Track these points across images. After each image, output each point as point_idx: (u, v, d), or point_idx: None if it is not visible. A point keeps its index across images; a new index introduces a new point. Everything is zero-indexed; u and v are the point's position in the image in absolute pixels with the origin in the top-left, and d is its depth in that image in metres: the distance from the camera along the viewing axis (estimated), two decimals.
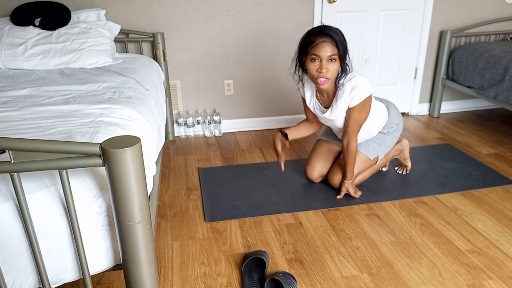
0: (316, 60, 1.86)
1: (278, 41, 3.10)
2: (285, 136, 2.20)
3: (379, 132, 2.27)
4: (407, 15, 3.21)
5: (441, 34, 3.30)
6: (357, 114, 2.01)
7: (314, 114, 2.23)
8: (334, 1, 3.03)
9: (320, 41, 1.83)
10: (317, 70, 1.87)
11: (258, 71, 3.17)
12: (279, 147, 2.18)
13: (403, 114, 3.57)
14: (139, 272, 1.22)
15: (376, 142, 2.26)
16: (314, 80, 1.92)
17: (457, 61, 3.23)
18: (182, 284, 1.65)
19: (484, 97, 3.00)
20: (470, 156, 2.71)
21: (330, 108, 2.07)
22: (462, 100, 3.62)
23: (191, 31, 2.97)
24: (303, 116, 3.31)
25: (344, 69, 1.93)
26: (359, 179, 2.26)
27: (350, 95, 1.96)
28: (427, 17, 3.23)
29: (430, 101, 3.56)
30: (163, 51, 2.87)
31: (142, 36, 2.87)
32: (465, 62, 3.14)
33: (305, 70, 1.98)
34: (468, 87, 3.13)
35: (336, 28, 1.88)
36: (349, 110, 2.01)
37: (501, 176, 2.44)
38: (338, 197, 2.22)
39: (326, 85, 1.92)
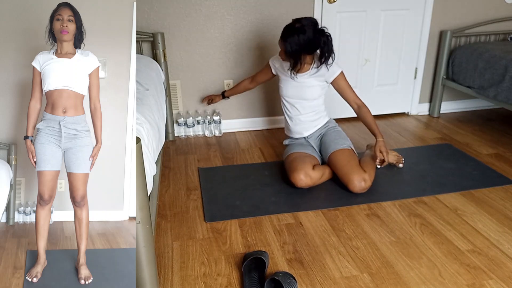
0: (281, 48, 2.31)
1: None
2: (224, 97, 2.78)
3: (333, 128, 2.48)
4: (407, 15, 3.21)
5: (441, 34, 3.30)
6: (344, 82, 2.36)
7: (264, 80, 2.71)
8: (334, 1, 3.03)
9: (281, 39, 2.26)
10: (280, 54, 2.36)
11: (258, 71, 3.17)
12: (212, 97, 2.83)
13: (403, 114, 3.57)
14: (139, 272, 1.22)
15: (342, 137, 2.42)
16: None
17: (457, 61, 3.23)
18: (182, 284, 1.65)
19: (484, 97, 3.00)
20: (470, 156, 2.71)
21: (308, 71, 2.34)
22: (462, 100, 3.62)
23: (191, 31, 2.97)
24: None
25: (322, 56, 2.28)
26: (372, 176, 2.30)
27: (327, 69, 2.31)
28: (427, 17, 3.23)
29: (430, 101, 3.56)
30: (163, 51, 2.87)
31: (142, 36, 2.87)
32: (465, 62, 3.14)
33: None
34: (468, 87, 3.13)
35: (302, 27, 2.19)
36: (336, 83, 2.35)
37: (501, 176, 2.44)
38: (378, 165, 2.40)
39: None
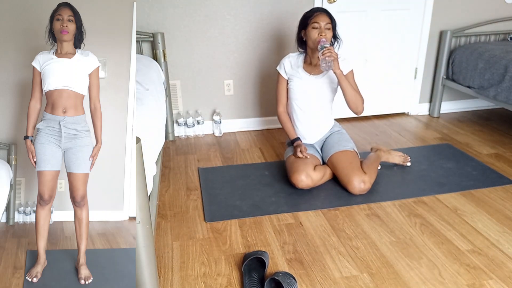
0: (317, 27, 2.24)
1: (278, 41, 3.10)
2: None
3: (337, 132, 2.48)
4: (407, 15, 3.21)
5: (441, 34, 3.30)
6: (353, 79, 2.38)
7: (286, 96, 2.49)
8: (334, 1, 3.03)
9: (317, 14, 2.26)
10: (318, 34, 2.24)
11: (258, 71, 3.17)
12: (303, 150, 2.34)
13: (403, 114, 3.57)
14: (139, 272, 1.22)
15: (345, 139, 2.42)
16: (316, 44, 2.25)
17: (457, 61, 3.23)
18: (182, 284, 1.65)
19: (484, 97, 3.00)
20: (470, 156, 2.71)
21: (323, 72, 2.34)
22: (462, 100, 3.62)
23: (191, 31, 2.97)
24: None
25: (336, 40, 2.37)
26: (372, 178, 2.31)
27: (342, 62, 2.30)
28: (427, 17, 3.23)
29: (430, 101, 3.56)
30: (163, 51, 2.87)
31: (142, 36, 2.87)
32: (465, 62, 3.14)
33: (303, 46, 2.38)
34: (468, 87, 3.13)
35: None
36: (346, 78, 2.32)
37: (501, 176, 2.44)
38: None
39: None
